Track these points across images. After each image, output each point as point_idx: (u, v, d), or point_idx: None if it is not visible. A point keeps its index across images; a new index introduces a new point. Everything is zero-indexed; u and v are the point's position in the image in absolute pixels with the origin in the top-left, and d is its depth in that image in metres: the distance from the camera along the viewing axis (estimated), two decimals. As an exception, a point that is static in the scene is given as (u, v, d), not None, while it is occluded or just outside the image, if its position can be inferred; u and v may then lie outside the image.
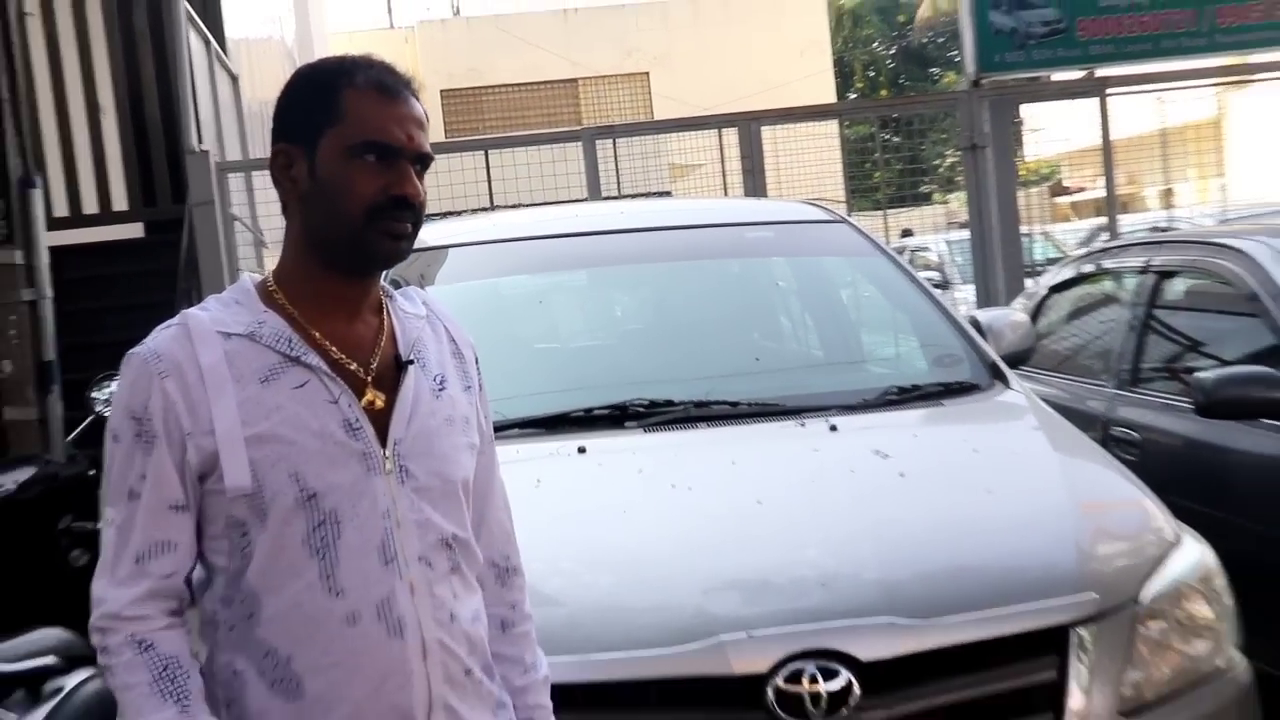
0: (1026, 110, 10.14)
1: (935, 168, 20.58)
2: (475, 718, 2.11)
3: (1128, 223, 12.70)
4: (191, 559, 2.01)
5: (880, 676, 2.77)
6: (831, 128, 10.69)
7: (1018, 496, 3.36)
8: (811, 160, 9.78)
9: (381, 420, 2.04)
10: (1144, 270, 5.81)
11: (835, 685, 2.72)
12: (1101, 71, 9.18)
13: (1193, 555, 3.23)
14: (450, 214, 7.82)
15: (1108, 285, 6.19)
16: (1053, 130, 15.43)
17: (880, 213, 10.22)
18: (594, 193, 8.61)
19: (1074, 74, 9.20)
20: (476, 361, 2.30)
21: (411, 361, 2.10)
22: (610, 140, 9.16)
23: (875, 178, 11.06)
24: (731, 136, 8.78)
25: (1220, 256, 5.35)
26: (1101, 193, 27.10)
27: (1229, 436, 4.89)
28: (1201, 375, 4.77)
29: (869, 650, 2.77)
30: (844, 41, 41.19)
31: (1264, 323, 4.95)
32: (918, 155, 12.07)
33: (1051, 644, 2.91)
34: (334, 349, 2.05)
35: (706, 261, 4.58)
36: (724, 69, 27.10)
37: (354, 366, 2.06)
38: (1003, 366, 4.18)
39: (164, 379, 1.96)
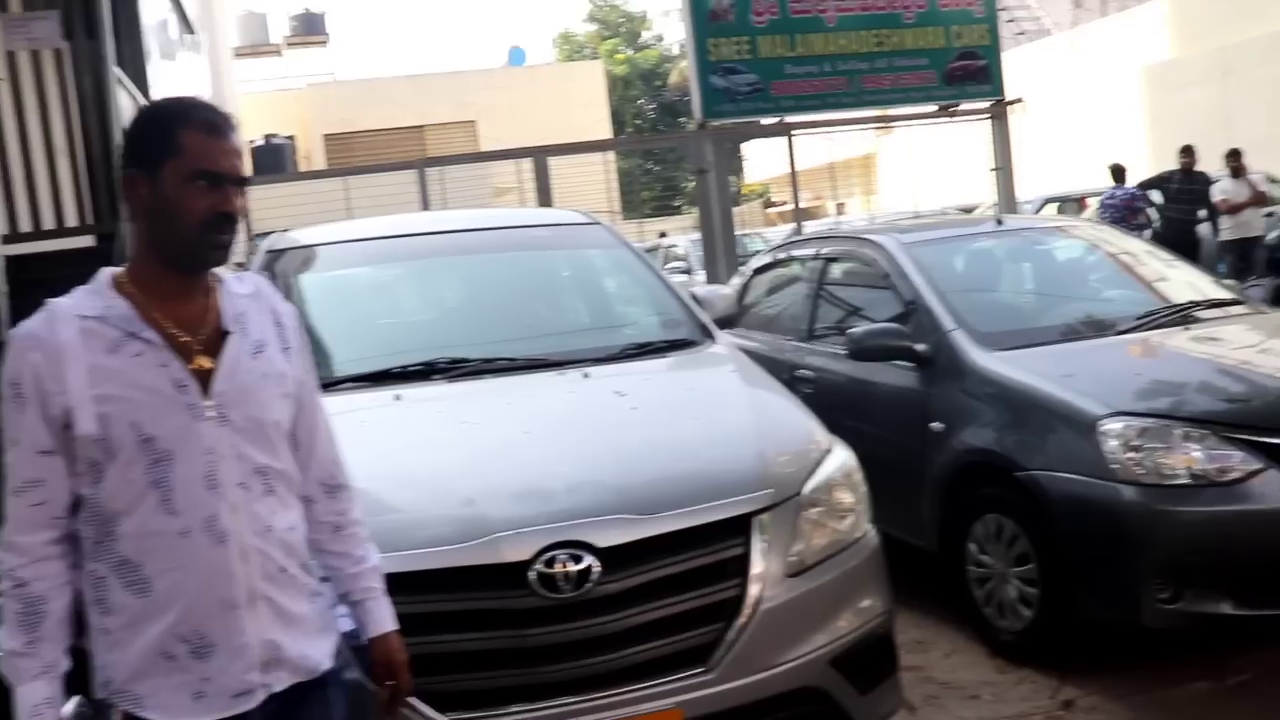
0: (747, 147, 10.23)
1: (683, 188, 20.72)
2: (292, 605, 2.03)
3: (810, 227, 12.96)
4: (62, 493, 1.94)
5: (616, 559, 2.69)
6: (609, 158, 10.54)
7: (717, 421, 3.29)
8: (592, 183, 9.65)
9: (209, 379, 1.97)
10: (816, 257, 5.84)
11: (580, 566, 2.64)
12: (791, 119, 9.22)
13: (840, 458, 3.20)
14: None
15: (794, 268, 6.19)
16: (765, 161, 15.61)
17: (641, 220, 10.20)
18: (426, 210, 8.33)
19: (770, 120, 9.18)
20: (298, 330, 2.17)
21: (230, 332, 2.02)
22: (439, 170, 8.89)
23: (644, 195, 11.03)
24: (528, 165, 8.58)
25: (865, 247, 5.40)
26: (802, 205, 27.47)
27: (872, 372, 4.94)
28: (851, 331, 4.81)
29: (605, 539, 2.69)
30: (618, 100, 41.15)
31: (893, 294, 5.01)
32: (671, 179, 12.07)
33: (739, 529, 2.86)
34: (170, 326, 1.96)
35: (498, 254, 4.41)
36: (530, 118, 26.73)
37: (185, 338, 1.97)
38: (712, 327, 4.10)
39: (31, 353, 1.91)
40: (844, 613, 3.01)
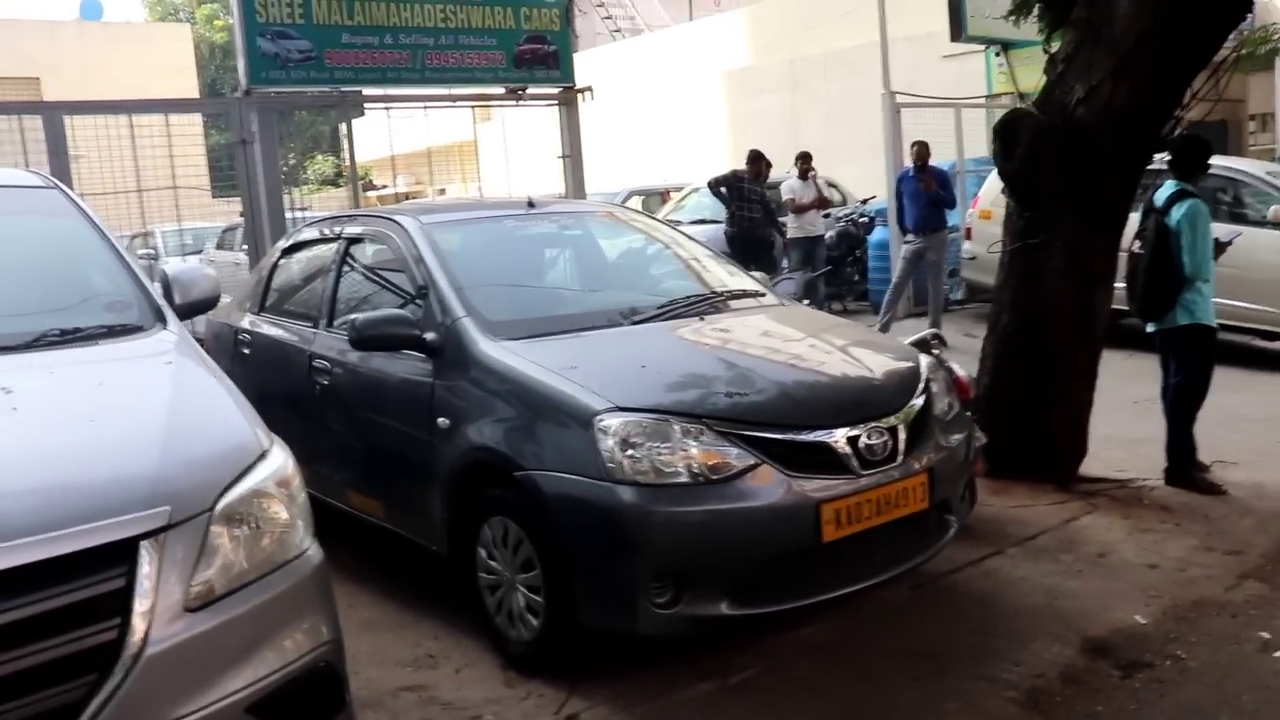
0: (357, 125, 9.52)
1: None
2: None
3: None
4: None
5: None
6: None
7: (118, 425, 2.69)
8: (183, 155, 8.43)
9: None
10: (339, 237, 5.31)
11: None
12: (346, 89, 8.56)
13: (275, 463, 2.71)
14: None
15: (320, 249, 5.62)
16: (367, 143, 14.76)
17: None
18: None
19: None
20: None
21: None
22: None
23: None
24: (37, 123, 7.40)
25: (386, 227, 4.93)
26: (401, 189, 26.57)
27: (383, 363, 4.50)
28: (354, 318, 4.33)
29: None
30: (218, 69, 38.48)
31: (409, 278, 4.59)
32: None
33: (120, 556, 2.31)
34: None
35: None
36: (106, 79, 24.15)
37: None
38: (168, 313, 3.48)
39: None
40: (270, 648, 2.53)
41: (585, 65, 24.72)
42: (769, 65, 20.32)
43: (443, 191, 21.56)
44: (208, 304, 3.94)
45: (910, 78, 13.73)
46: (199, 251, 16.19)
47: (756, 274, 5.53)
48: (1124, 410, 6.89)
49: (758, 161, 12.23)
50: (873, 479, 3.75)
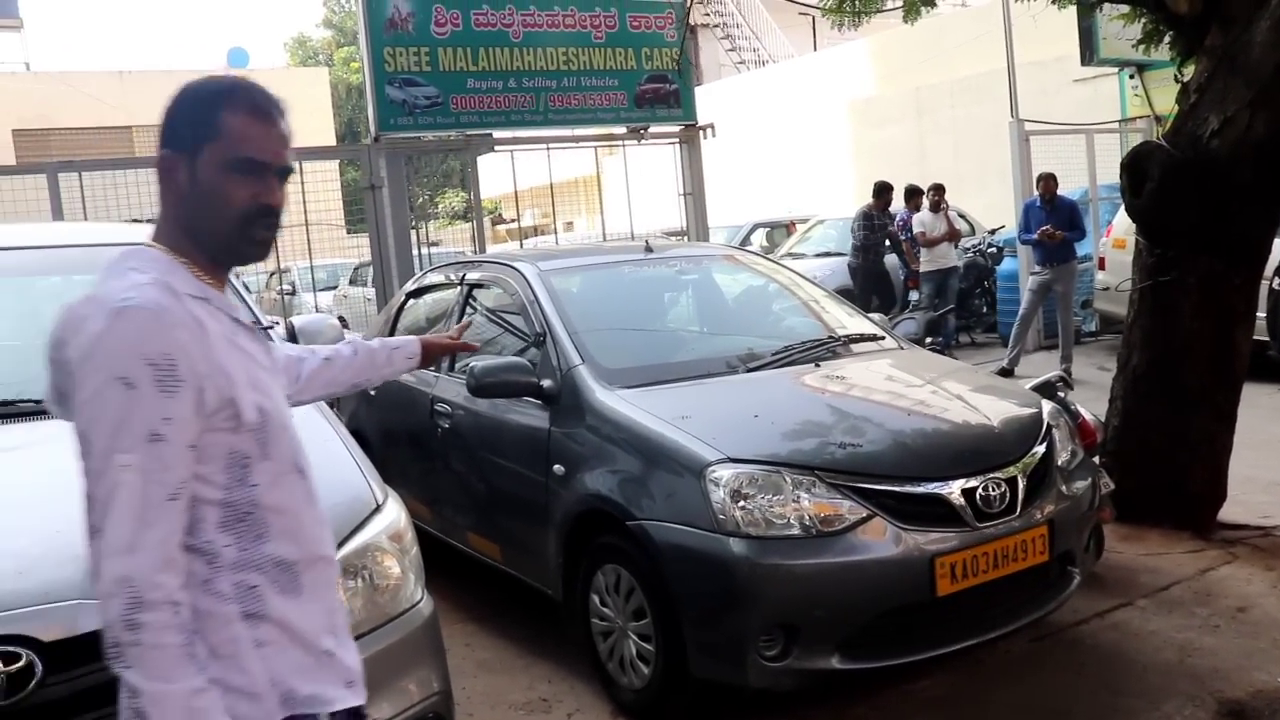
0: (483, 164, 9.84)
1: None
2: None
3: (532, 244, 12.78)
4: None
5: (65, 655, 2.17)
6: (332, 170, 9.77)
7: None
8: (320, 195, 8.84)
9: None
10: (461, 282, 5.46)
11: (15, 667, 2.12)
12: (472, 133, 8.80)
13: (389, 517, 2.80)
14: None
15: (443, 293, 5.79)
16: (493, 179, 15.13)
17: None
18: (56, 216, 7.40)
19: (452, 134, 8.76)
20: None
21: (269, 326, 1.97)
22: (89, 175, 7.94)
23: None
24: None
25: (505, 273, 5.05)
26: (529, 221, 27.23)
27: (503, 409, 4.59)
28: (472, 364, 4.43)
29: (50, 632, 2.18)
30: (354, 109, 39.69)
31: (525, 320, 4.69)
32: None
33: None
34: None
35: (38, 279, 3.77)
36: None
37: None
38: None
39: (175, 328, 1.63)
40: (383, 698, 2.60)
41: (708, 98, 24.97)
42: (894, 94, 20.11)
43: (570, 225, 21.90)
44: None
45: (1039, 103, 13.44)
46: (334, 287, 16.83)
47: (875, 316, 5.48)
48: (1268, 450, 6.59)
49: (884, 193, 12.19)
50: (990, 531, 3.67)
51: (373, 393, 5.77)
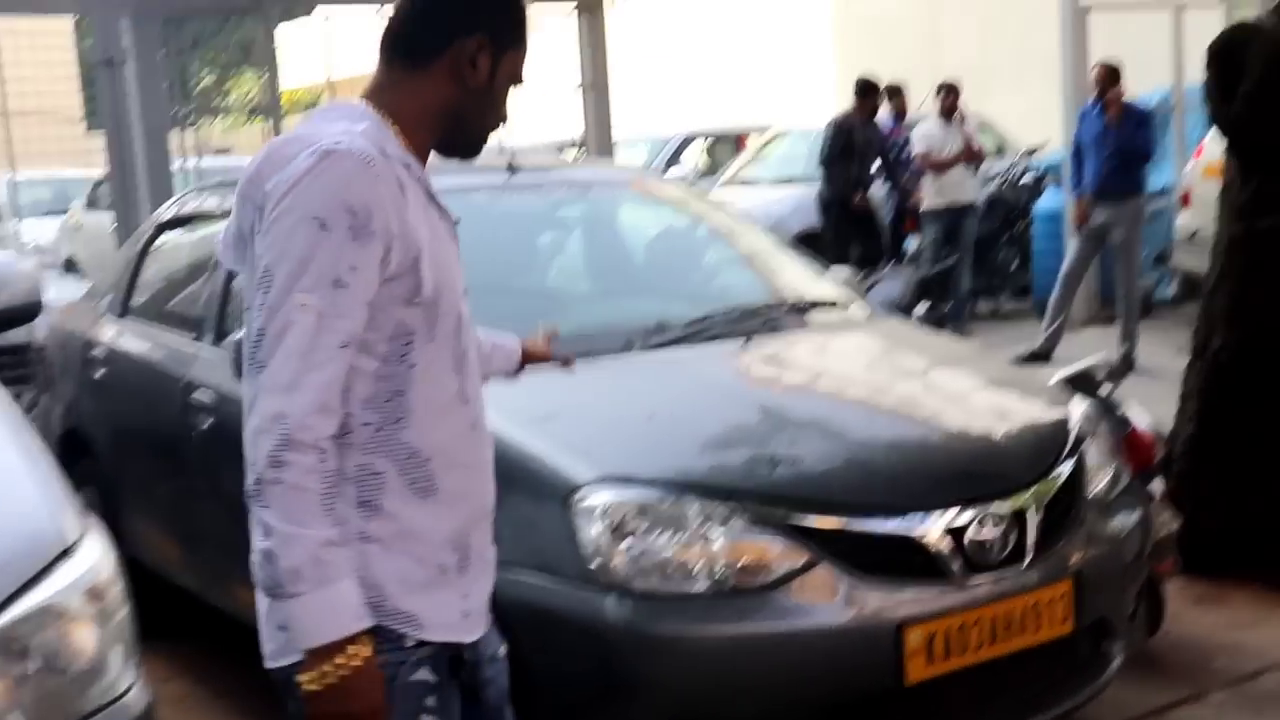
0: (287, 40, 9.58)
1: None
2: None
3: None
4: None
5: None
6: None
7: None
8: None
9: None
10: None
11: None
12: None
13: (84, 564, 2.75)
14: None
15: (213, 227, 5.68)
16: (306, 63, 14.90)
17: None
18: None
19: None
20: None
21: (459, 221, 2.44)
22: None
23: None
24: None
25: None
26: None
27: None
28: (241, 334, 4.36)
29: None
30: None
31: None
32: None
33: None
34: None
35: None
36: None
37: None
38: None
39: (379, 182, 2.16)
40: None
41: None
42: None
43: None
44: (24, 313, 4.02)
45: (1101, -34, 13.55)
46: (62, 211, 16.44)
47: (840, 271, 5.51)
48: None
49: (869, 95, 12.16)
50: (986, 589, 3.70)
51: (99, 374, 5.66)
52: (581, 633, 3.50)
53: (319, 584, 2.09)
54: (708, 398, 4.13)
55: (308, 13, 9.29)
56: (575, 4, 9.48)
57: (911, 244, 12.48)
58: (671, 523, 3.55)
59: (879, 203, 12.80)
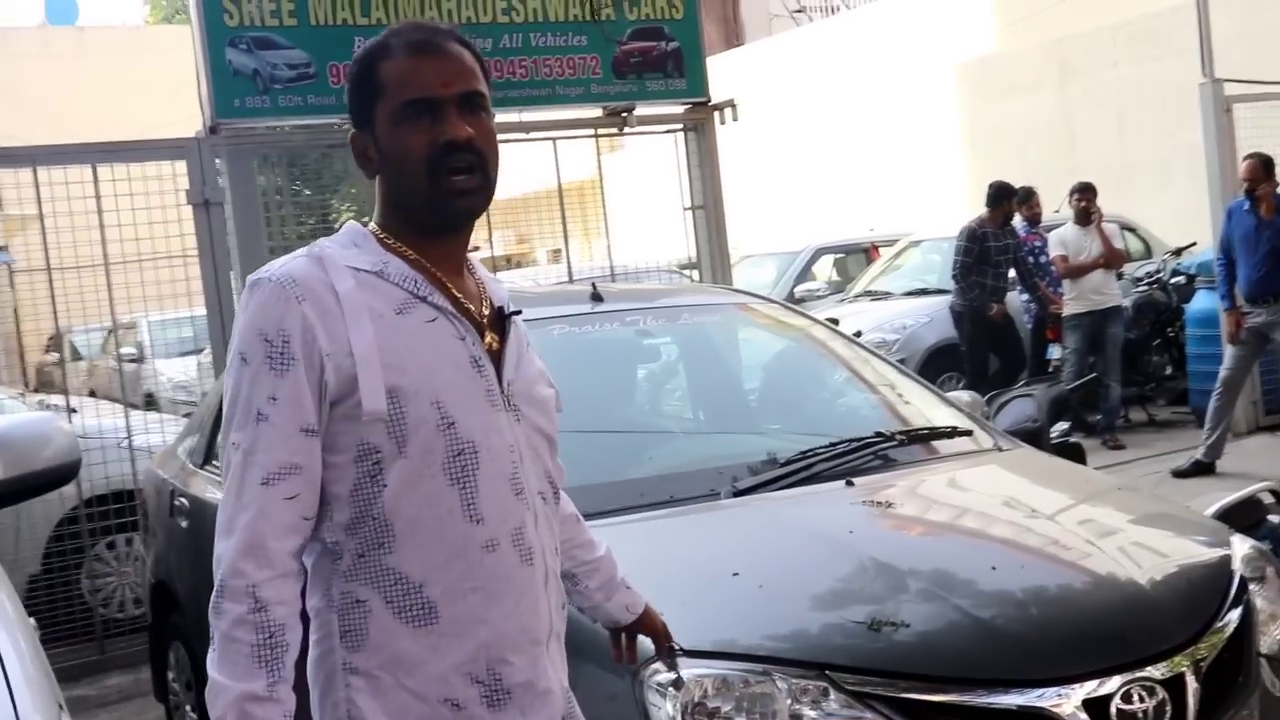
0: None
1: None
2: (563, 645, 2.44)
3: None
4: (316, 487, 2.17)
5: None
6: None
7: None
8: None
9: (496, 363, 2.31)
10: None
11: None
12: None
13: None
14: None
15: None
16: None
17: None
18: None
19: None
20: None
21: (518, 312, 2.39)
22: None
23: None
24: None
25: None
26: (498, 250, 27.20)
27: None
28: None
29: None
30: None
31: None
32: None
33: None
34: (456, 292, 2.29)
35: None
36: (83, 102, 25.29)
37: (472, 308, 2.30)
38: None
39: (301, 303, 2.14)
40: None
41: (751, 63, 24.85)
42: (1025, 51, 19.85)
43: (557, 254, 21.75)
44: (60, 475, 3.82)
45: (1253, 54, 13.05)
46: (198, 351, 16.56)
47: (964, 396, 5.06)
48: None
49: (1003, 201, 11.86)
50: (1138, 772, 3.22)
51: (184, 522, 5.46)
52: None
53: None
54: (803, 552, 3.75)
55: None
56: (681, 126, 9.14)
57: (1054, 352, 12.10)
58: (757, 702, 3.14)
59: (1017, 311, 12.56)
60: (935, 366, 12.31)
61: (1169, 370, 12.71)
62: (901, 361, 12.07)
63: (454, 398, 2.20)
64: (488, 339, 2.29)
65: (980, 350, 11.85)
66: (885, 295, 14.03)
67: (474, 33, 8.34)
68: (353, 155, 2.33)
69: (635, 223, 10.64)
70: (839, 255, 16.95)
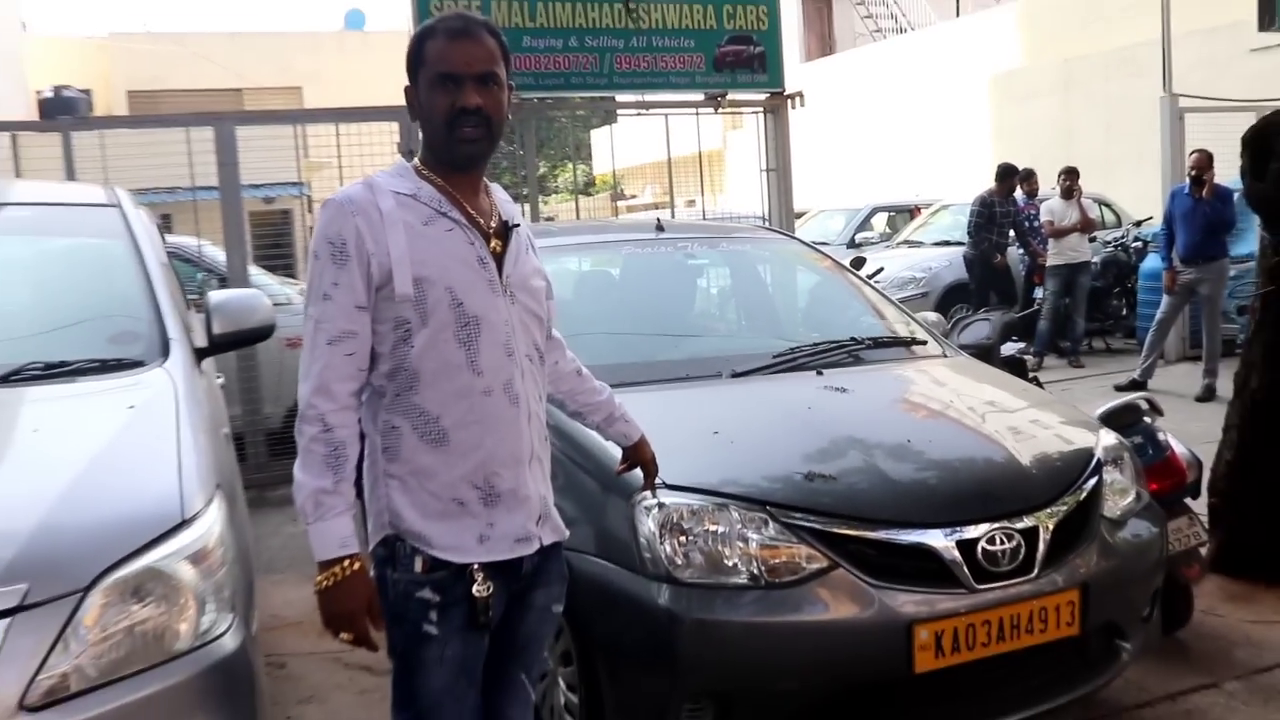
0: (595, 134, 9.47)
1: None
2: (547, 466, 2.43)
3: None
4: (367, 347, 2.22)
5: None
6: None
7: (13, 483, 2.48)
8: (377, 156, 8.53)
9: (498, 261, 2.29)
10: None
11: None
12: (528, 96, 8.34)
13: (196, 532, 2.44)
14: None
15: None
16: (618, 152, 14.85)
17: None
18: (69, 177, 7.26)
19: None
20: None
21: (518, 225, 2.36)
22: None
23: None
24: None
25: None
26: (648, 199, 26.77)
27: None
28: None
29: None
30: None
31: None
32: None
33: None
34: (470, 210, 2.29)
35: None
36: (366, 87, 25.45)
37: (483, 222, 2.30)
38: (177, 346, 3.30)
39: (355, 216, 2.19)
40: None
41: (840, 68, 24.14)
42: (1040, 67, 19.00)
43: (691, 203, 21.54)
44: (257, 335, 3.77)
45: (1210, 76, 12.42)
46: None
47: (930, 316, 4.91)
48: None
49: (1007, 178, 11.54)
50: (993, 595, 3.11)
51: None
52: (633, 611, 3.05)
53: (317, 519, 2.14)
54: (769, 420, 3.64)
55: (613, 122, 9.08)
56: (763, 108, 8.96)
57: (1039, 293, 11.72)
58: (715, 526, 3.08)
59: (1014, 262, 12.17)
60: (950, 299, 11.96)
61: (1124, 312, 12.27)
62: (924, 295, 11.92)
63: (463, 285, 2.22)
64: (493, 244, 2.28)
65: (984, 289, 11.55)
66: (919, 244, 13.59)
67: (612, 35, 8.28)
68: (406, 102, 2.31)
69: (745, 183, 10.47)
70: (890, 213, 16.46)
